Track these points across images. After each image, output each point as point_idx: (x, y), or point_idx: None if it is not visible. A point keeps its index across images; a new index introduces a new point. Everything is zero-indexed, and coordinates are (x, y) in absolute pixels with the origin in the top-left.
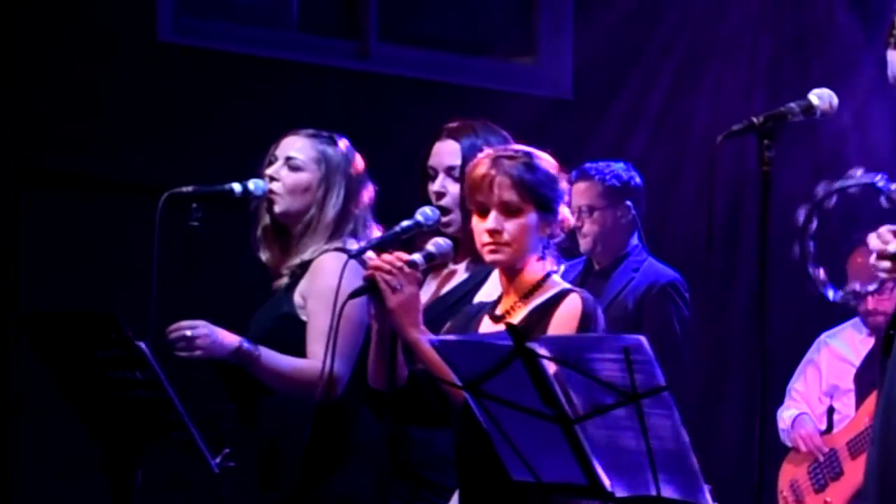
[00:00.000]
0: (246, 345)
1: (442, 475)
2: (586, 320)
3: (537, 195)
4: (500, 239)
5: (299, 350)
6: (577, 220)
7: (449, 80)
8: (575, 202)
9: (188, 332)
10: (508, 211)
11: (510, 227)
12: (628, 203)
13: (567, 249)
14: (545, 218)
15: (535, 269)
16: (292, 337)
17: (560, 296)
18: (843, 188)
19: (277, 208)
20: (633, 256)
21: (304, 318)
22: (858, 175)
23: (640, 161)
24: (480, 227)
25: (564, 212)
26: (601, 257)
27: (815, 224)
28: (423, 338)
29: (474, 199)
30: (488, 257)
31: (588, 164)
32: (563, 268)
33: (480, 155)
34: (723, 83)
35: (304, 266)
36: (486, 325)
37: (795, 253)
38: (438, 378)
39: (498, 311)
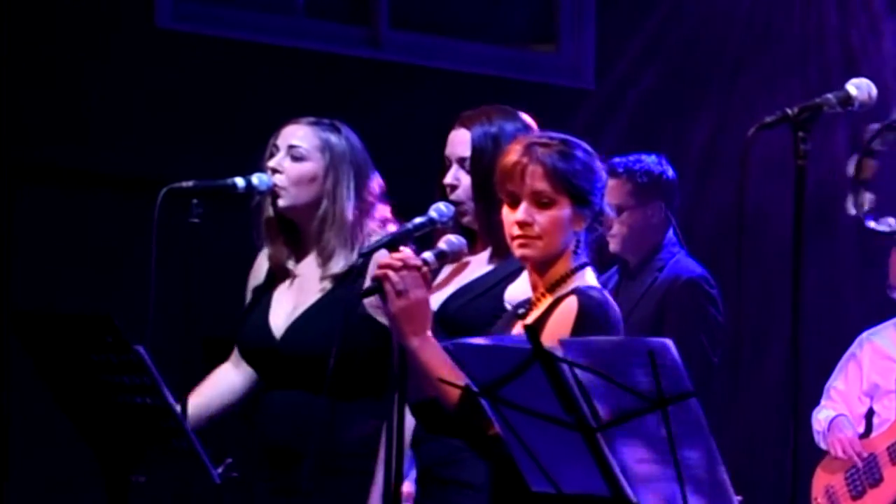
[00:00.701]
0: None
1: (455, 470)
2: (581, 323)
3: (572, 186)
4: (531, 232)
5: (372, 352)
6: None
7: (465, 69)
8: None
9: None
10: (540, 202)
11: (542, 219)
12: (660, 201)
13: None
14: (580, 211)
15: (565, 262)
16: (369, 339)
17: (566, 295)
18: (892, 124)
19: (283, 202)
20: (663, 252)
21: (381, 319)
22: None
23: (667, 155)
24: (510, 219)
25: (605, 206)
26: (633, 257)
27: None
28: (427, 346)
29: (505, 189)
30: (518, 251)
31: (616, 159)
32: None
33: (514, 142)
34: (753, 72)
35: (358, 268)
36: (519, 327)
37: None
38: (432, 380)
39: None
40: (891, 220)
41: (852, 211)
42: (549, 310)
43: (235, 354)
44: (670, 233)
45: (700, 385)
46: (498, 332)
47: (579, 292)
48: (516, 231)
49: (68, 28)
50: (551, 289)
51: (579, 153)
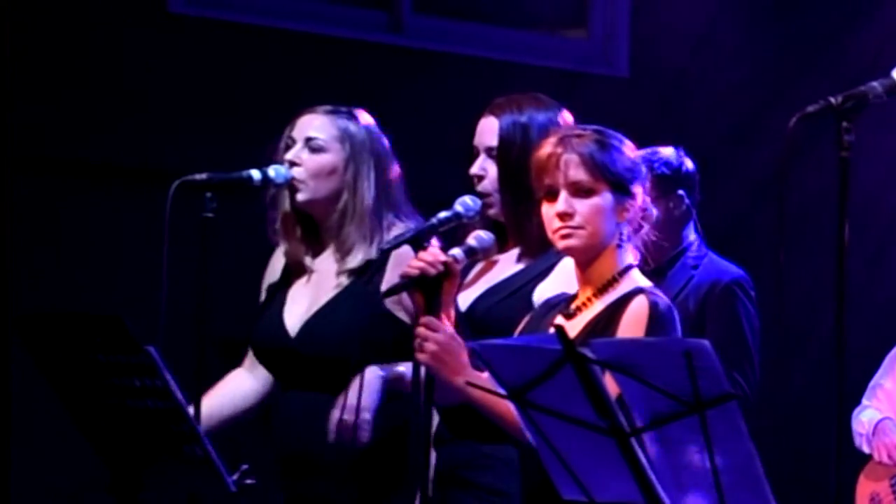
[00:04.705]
0: None
1: (490, 475)
2: (654, 324)
3: (610, 173)
4: (572, 222)
5: (397, 351)
6: None
7: (491, 55)
8: None
9: None
10: (579, 191)
11: (582, 208)
12: (681, 192)
13: None
14: (621, 200)
15: (611, 259)
16: (390, 336)
17: (629, 296)
18: None
19: (302, 196)
20: (692, 252)
21: (401, 316)
22: None
23: (702, 146)
24: (550, 213)
25: (647, 201)
26: (654, 254)
27: None
28: (472, 374)
29: (542, 183)
30: (560, 244)
31: None
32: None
33: (546, 137)
34: (792, 59)
35: (376, 263)
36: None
37: None
38: (493, 419)
39: (572, 307)
40: None
41: None
42: (609, 314)
43: (250, 357)
44: (691, 228)
45: (745, 385)
46: (531, 328)
47: (647, 293)
48: (557, 223)
49: (75, 12)
50: (600, 292)
51: (615, 142)
